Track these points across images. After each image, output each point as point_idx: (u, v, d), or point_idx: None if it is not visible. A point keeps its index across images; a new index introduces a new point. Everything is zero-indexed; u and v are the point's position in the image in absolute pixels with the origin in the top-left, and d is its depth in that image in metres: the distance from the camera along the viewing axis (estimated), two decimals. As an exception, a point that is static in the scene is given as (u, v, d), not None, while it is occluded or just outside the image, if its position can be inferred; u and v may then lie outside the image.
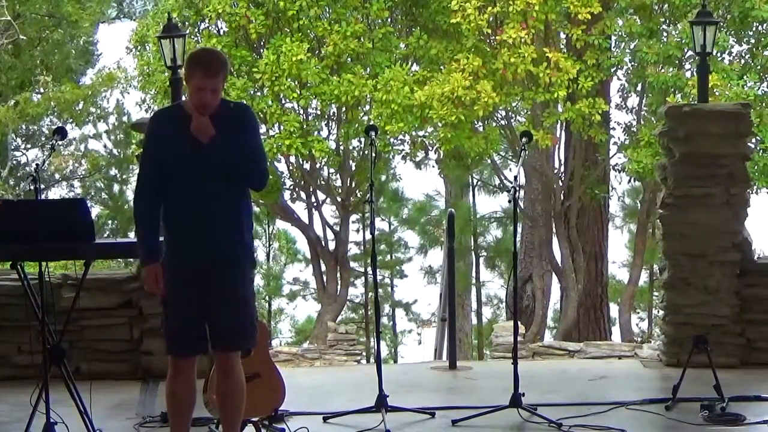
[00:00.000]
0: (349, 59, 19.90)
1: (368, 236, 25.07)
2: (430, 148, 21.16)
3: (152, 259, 6.49)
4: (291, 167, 21.76)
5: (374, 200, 8.61)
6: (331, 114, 20.99)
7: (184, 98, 6.89)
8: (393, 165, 23.76)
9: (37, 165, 7.27)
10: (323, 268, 22.89)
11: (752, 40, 19.66)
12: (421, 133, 20.66)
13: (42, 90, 26.03)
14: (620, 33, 19.72)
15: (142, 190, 6.55)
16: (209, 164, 6.40)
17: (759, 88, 19.21)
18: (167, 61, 10.26)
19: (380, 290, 18.31)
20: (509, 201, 7.97)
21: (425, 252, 30.81)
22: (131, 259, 10.29)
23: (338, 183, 22.23)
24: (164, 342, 6.61)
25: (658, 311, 13.31)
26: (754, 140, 17.93)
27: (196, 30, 20.77)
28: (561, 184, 21.05)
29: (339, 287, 22.78)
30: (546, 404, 8.29)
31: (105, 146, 31.00)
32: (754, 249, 10.21)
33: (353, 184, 21.88)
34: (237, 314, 6.52)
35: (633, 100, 20.59)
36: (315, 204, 22.49)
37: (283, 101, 20.07)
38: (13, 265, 6.85)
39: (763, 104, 18.93)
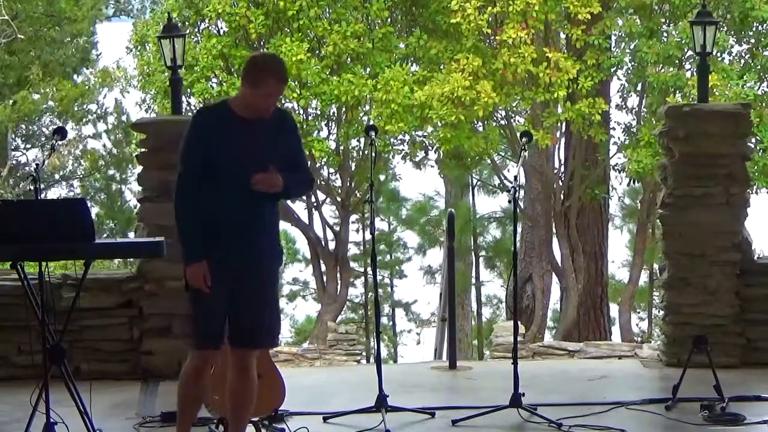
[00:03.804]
0: (349, 59, 19.90)
1: (368, 236, 25.08)
2: (430, 148, 21.16)
3: (199, 256, 6.47)
4: (291, 167, 21.73)
5: (374, 200, 8.62)
6: (331, 114, 20.99)
7: (228, 97, 6.90)
8: (392, 165, 23.77)
9: (37, 165, 7.27)
10: (323, 268, 22.88)
11: (752, 40, 19.66)
12: (420, 133, 20.66)
13: (40, 89, 26.04)
14: (620, 33, 19.72)
15: (186, 188, 6.51)
16: (256, 169, 6.46)
17: (759, 88, 19.21)
18: (167, 61, 10.22)
19: (380, 290, 18.30)
20: (509, 201, 7.96)
21: (425, 252, 30.84)
22: (131, 259, 10.28)
23: (338, 183, 22.23)
24: (193, 336, 6.63)
25: (658, 311, 13.32)
26: (753, 140, 17.93)
27: (196, 30, 20.77)
28: (561, 184, 21.05)
29: (339, 287, 22.77)
30: (546, 404, 8.29)
31: (104, 146, 31.02)
32: (753, 249, 10.21)
33: (353, 184, 21.87)
34: (263, 314, 6.58)
35: (633, 100, 20.60)
36: (315, 204, 22.49)
37: (283, 101, 20.06)
38: (13, 265, 6.83)
39: (763, 104, 18.92)
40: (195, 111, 7.05)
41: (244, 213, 6.50)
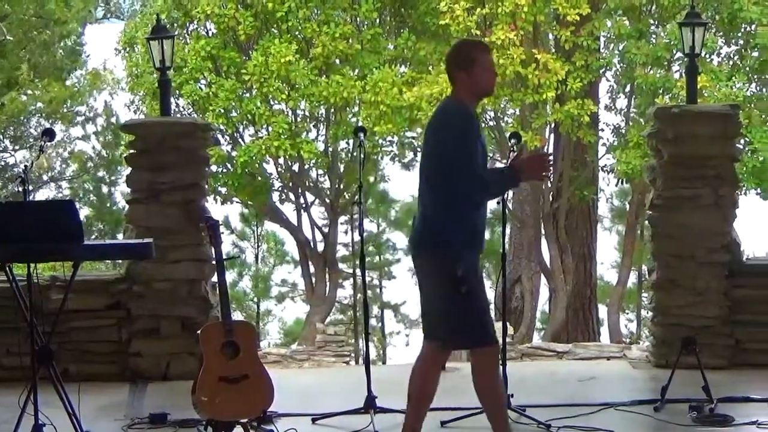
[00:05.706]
0: (337, 60, 19.91)
1: (357, 237, 25.04)
2: (419, 149, 21.17)
3: (514, 167, 6.61)
4: (279, 169, 21.74)
5: (363, 202, 8.61)
6: (320, 115, 20.99)
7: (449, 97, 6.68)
8: (381, 166, 23.75)
9: (25, 166, 7.24)
10: (312, 269, 22.89)
11: (741, 42, 19.71)
12: (409, 134, 20.67)
13: (28, 91, 26.00)
14: (609, 34, 19.75)
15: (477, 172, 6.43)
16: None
17: (747, 89, 19.26)
18: (156, 63, 10.19)
19: (369, 292, 18.29)
20: (497, 202, 7.94)
21: (413, 253, 30.77)
22: (119, 260, 10.26)
23: (327, 184, 22.23)
24: (483, 333, 6.54)
25: (647, 312, 13.33)
26: (742, 141, 17.97)
27: (185, 31, 20.76)
28: (550, 185, 21.06)
29: (327, 289, 22.78)
30: (535, 405, 8.28)
31: (93, 148, 30.97)
32: (742, 250, 10.21)
33: (342, 186, 21.88)
34: None
35: (622, 102, 20.65)
36: (304, 205, 22.49)
37: (272, 103, 20.07)
38: (1, 266, 6.82)
39: (752, 105, 18.97)
40: (453, 109, 6.52)
41: (486, 206, 6.62)
